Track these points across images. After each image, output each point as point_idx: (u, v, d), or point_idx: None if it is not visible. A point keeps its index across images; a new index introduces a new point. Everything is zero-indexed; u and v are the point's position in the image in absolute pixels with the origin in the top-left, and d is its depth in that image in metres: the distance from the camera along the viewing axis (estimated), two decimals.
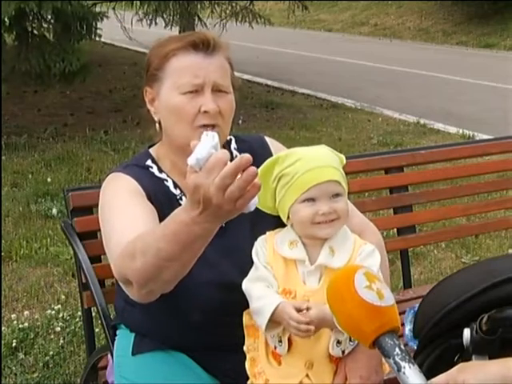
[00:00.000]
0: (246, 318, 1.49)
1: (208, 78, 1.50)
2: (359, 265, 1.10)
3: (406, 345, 1.92)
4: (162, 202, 1.53)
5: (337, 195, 1.44)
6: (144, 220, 1.41)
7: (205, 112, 1.49)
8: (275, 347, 1.44)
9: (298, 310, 1.37)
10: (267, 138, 1.73)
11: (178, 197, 1.56)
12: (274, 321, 1.39)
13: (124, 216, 1.43)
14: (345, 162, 1.51)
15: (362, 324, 1.00)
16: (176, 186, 1.58)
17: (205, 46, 1.51)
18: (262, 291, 1.42)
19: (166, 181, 1.58)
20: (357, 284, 1.00)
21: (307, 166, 1.43)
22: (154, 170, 1.59)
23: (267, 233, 1.51)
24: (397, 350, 0.98)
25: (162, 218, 1.47)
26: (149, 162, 1.61)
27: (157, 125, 1.58)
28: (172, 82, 1.51)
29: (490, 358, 1.11)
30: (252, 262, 1.46)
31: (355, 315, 1.00)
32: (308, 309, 1.37)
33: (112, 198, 1.52)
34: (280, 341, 1.43)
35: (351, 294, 1.00)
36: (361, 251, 1.47)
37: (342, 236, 1.48)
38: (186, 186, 1.11)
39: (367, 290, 1.00)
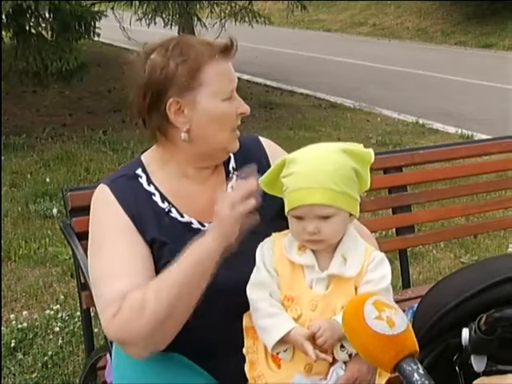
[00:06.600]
0: (245, 320, 1.47)
1: (236, 81, 1.56)
2: (369, 293, 1.09)
3: None
4: (148, 219, 1.52)
5: (326, 217, 1.38)
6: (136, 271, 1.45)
7: (241, 114, 1.55)
8: (278, 353, 1.42)
9: (312, 337, 1.35)
10: (262, 139, 1.72)
11: (165, 210, 1.55)
12: (282, 341, 1.37)
13: (113, 268, 1.46)
14: (372, 160, 1.48)
15: (378, 354, 1.00)
16: (164, 199, 1.56)
17: (230, 50, 1.53)
18: (270, 308, 1.39)
19: (154, 195, 1.56)
20: (366, 316, 1.01)
21: (297, 184, 1.39)
22: (143, 180, 1.58)
23: (273, 234, 1.48)
24: (415, 376, 0.97)
25: (147, 234, 1.50)
26: (139, 171, 1.59)
27: (182, 134, 1.51)
28: (211, 89, 1.50)
29: (489, 357, 1.11)
30: (252, 267, 1.44)
31: (370, 347, 1.01)
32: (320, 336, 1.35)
33: (102, 237, 1.51)
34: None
35: (362, 327, 1.00)
36: (372, 258, 1.44)
37: (354, 242, 1.45)
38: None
39: (377, 321, 1.00)
